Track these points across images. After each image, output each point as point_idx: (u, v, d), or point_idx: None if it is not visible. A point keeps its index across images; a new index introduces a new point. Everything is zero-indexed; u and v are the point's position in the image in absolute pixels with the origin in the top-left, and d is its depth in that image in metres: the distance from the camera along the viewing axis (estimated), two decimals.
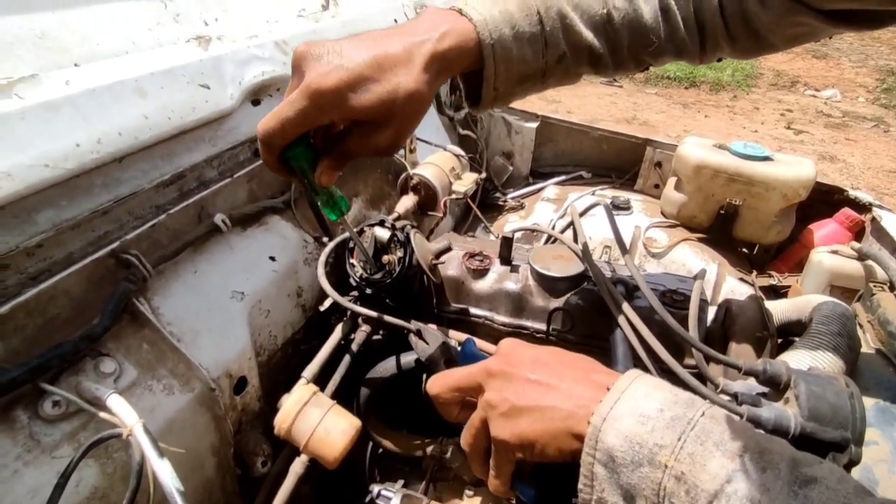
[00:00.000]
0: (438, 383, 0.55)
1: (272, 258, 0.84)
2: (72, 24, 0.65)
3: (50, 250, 0.57)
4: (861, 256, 1.04)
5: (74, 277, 0.58)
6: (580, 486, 0.43)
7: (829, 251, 1.08)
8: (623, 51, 0.62)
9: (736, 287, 1.23)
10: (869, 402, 0.70)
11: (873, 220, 1.22)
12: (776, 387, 0.60)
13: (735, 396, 0.60)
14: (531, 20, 0.56)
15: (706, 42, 0.63)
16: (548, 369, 0.49)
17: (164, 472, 0.48)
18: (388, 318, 0.77)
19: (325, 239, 0.92)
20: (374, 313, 0.78)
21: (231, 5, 0.88)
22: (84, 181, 0.59)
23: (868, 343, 0.84)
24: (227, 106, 0.75)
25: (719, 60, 0.67)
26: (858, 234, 1.26)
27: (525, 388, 0.48)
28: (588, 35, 0.59)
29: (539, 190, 1.65)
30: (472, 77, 0.57)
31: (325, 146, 0.53)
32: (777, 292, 1.27)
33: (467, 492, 0.76)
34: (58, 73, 0.60)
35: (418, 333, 0.76)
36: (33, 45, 0.60)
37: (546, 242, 1.25)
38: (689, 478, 0.38)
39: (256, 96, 0.85)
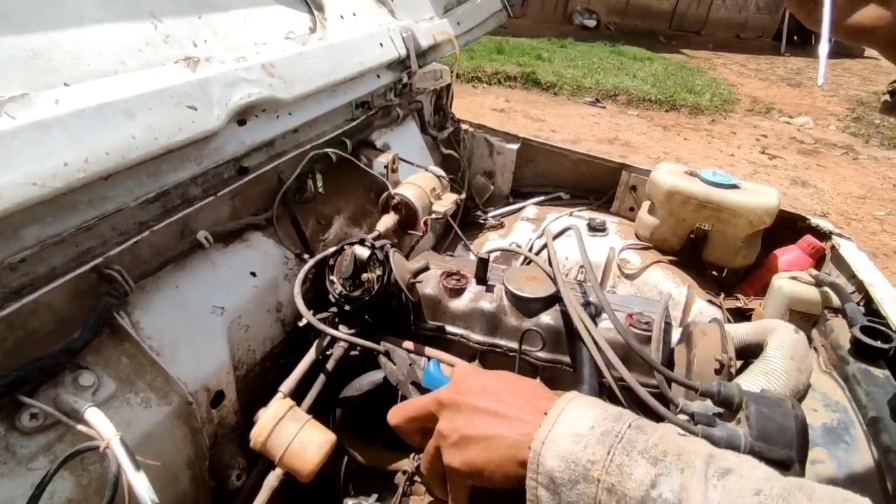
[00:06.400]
0: (397, 414, 0.59)
1: (253, 274, 0.86)
2: (63, 44, 0.67)
3: (33, 265, 0.58)
4: (818, 283, 1.09)
5: (56, 292, 0.59)
6: None
7: (790, 277, 1.13)
8: None
9: (704, 309, 1.28)
10: (817, 423, 0.74)
11: (833, 248, 1.28)
12: (730, 407, 0.64)
13: (692, 416, 0.63)
14: None
15: None
16: (494, 398, 0.52)
17: (141, 485, 0.49)
18: (357, 339, 0.80)
19: (305, 256, 0.94)
20: (343, 335, 0.80)
21: (220, 27, 0.90)
22: (69, 198, 0.61)
23: (821, 366, 0.88)
24: (213, 126, 0.77)
25: None
26: (820, 260, 1.32)
27: (473, 418, 0.51)
28: None
29: (519, 209, 1.69)
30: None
31: None
32: (743, 315, 1.32)
33: None
34: (48, 92, 0.61)
35: (387, 354, 0.79)
36: (24, 65, 0.62)
37: (522, 263, 1.29)
38: (618, 488, 0.41)
39: (242, 116, 0.87)
